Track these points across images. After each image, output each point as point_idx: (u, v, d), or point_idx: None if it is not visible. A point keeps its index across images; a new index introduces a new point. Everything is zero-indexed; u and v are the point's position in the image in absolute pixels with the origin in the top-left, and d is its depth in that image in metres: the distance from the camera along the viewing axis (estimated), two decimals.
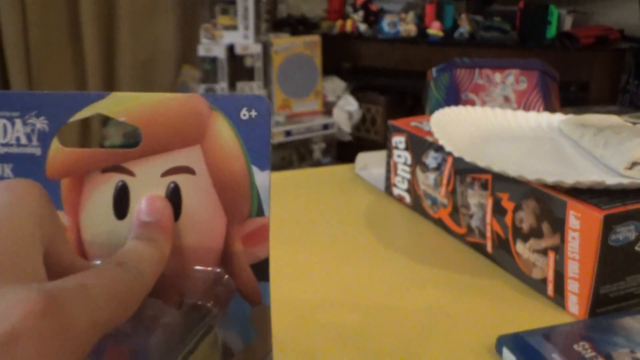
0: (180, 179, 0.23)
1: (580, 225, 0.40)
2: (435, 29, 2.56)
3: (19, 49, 2.44)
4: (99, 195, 0.24)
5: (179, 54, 2.76)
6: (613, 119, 0.57)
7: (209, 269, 0.24)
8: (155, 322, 0.22)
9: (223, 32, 2.37)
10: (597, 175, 0.45)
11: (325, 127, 2.53)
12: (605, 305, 0.40)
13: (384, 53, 2.64)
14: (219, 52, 2.36)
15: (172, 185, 0.23)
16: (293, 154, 2.57)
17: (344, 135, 2.60)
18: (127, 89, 2.64)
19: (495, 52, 2.36)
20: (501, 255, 0.48)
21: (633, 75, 2.29)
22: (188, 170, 0.23)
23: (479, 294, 0.45)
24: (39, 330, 0.16)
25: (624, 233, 0.39)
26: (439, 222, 0.55)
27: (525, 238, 0.45)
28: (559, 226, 0.41)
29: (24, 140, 0.23)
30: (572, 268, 0.41)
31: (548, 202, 0.42)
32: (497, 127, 0.58)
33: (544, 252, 0.43)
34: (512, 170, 0.44)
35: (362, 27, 2.70)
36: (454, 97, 0.70)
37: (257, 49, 2.38)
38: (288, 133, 2.42)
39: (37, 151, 0.24)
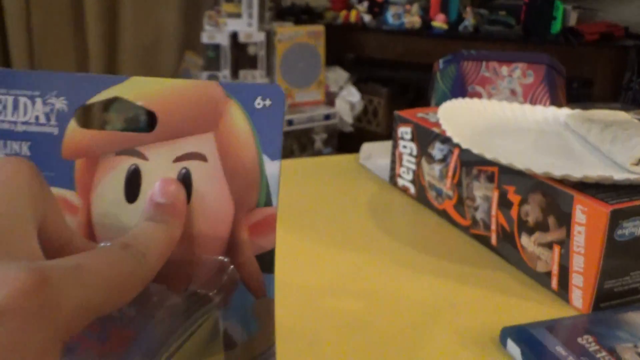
0: (192, 165, 0.23)
1: (587, 220, 0.40)
2: (439, 22, 2.56)
3: (21, 31, 2.43)
4: (111, 178, 0.24)
5: (182, 40, 2.75)
6: (620, 115, 0.57)
7: (215, 257, 0.24)
8: (159, 307, 0.22)
9: (227, 20, 2.36)
10: (604, 170, 0.45)
11: (327, 117, 2.52)
12: (609, 299, 0.41)
13: (387, 45, 2.63)
14: (223, 40, 2.35)
15: (183, 171, 0.23)
16: (294, 144, 2.56)
17: (346, 126, 2.59)
18: (128, 74, 2.62)
19: (499, 46, 2.36)
20: (505, 247, 0.48)
21: (636, 73, 2.28)
22: (200, 157, 0.23)
23: (483, 286, 0.45)
24: (24, 308, 0.16)
25: (630, 228, 0.39)
26: (443, 214, 0.55)
27: (530, 231, 0.45)
28: (565, 220, 0.41)
29: (42, 120, 0.23)
30: (577, 262, 0.41)
31: (555, 196, 0.42)
32: (503, 119, 0.58)
33: (549, 245, 0.43)
34: (520, 163, 0.44)
35: (367, 17, 2.69)
36: (460, 89, 0.70)
37: (260, 37, 2.37)
38: (290, 122, 2.42)
39: (55, 131, 0.24)
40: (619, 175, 0.41)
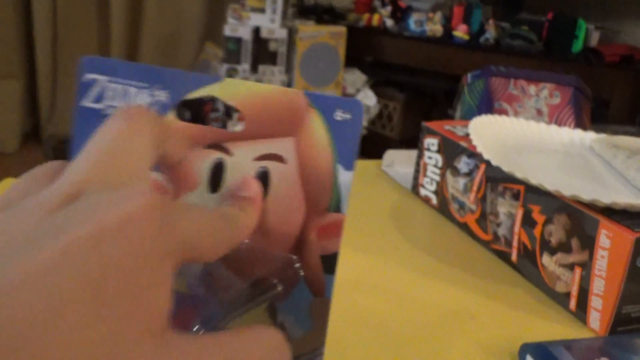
0: (271, 165, 0.25)
1: (611, 245, 0.41)
2: (461, 32, 2.56)
3: (46, 14, 2.45)
4: (198, 168, 0.26)
5: (203, 31, 2.77)
6: None
7: (283, 253, 0.26)
8: (226, 290, 0.24)
9: (250, 14, 2.37)
10: (629, 197, 0.46)
11: None
12: (626, 324, 0.42)
13: (407, 50, 2.63)
14: (245, 34, 2.37)
15: (263, 169, 0.25)
16: None
17: None
18: (149, 61, 2.65)
19: (519, 60, 2.36)
20: (526, 265, 0.49)
21: None
22: (279, 159, 0.25)
23: (501, 301, 0.46)
24: (150, 218, 0.18)
25: None
26: (464, 227, 0.56)
27: (552, 251, 0.46)
28: (589, 243, 0.42)
29: None
30: (598, 285, 0.42)
31: (580, 219, 0.43)
32: (531, 139, 0.59)
33: (570, 267, 0.44)
34: (549, 184, 0.45)
35: (389, 22, 2.70)
36: (486, 105, 0.71)
37: (282, 33, 2.38)
38: None
39: None
40: None
